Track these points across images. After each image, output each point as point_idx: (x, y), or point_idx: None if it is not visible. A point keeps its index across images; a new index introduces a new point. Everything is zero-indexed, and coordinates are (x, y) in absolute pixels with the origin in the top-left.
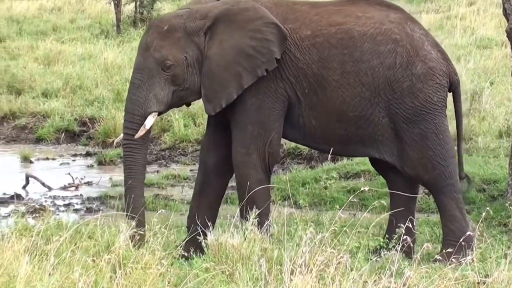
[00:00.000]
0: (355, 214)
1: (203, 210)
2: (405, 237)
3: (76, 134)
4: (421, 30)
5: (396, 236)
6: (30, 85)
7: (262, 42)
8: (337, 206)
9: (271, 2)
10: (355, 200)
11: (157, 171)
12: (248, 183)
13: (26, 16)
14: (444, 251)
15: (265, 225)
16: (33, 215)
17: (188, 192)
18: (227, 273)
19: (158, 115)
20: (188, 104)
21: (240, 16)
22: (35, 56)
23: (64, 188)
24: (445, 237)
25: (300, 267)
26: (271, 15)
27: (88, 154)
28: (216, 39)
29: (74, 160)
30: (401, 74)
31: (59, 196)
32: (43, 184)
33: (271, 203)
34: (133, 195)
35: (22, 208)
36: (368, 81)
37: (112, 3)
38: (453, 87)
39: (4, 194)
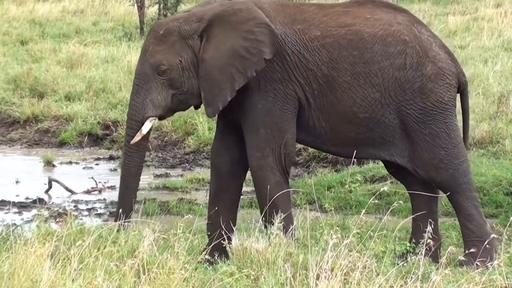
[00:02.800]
0: (381, 218)
1: (222, 214)
2: (428, 241)
3: (99, 137)
4: (428, 32)
5: (422, 240)
6: (53, 88)
7: (253, 43)
8: (363, 210)
9: (278, 4)
10: (380, 203)
11: (181, 175)
12: (267, 186)
13: (48, 18)
14: (467, 251)
15: (289, 228)
16: (56, 220)
17: None
18: (252, 277)
19: (160, 119)
20: (197, 107)
21: (234, 17)
22: (58, 59)
23: (87, 192)
24: (466, 238)
25: (325, 271)
26: (263, 15)
27: (111, 158)
28: (212, 42)
29: (97, 164)
30: (412, 75)
31: (82, 200)
32: (66, 188)
33: (292, 206)
34: (121, 202)
35: (45, 213)
36: (378, 82)
37: (136, 5)
38: (461, 88)
39: (27, 198)
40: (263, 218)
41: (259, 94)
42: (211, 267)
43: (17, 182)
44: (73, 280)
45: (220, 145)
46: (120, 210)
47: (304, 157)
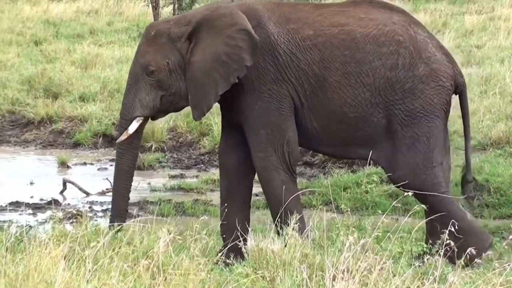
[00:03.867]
0: (397, 219)
1: (235, 214)
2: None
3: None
4: (425, 32)
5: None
6: (67, 89)
7: (234, 49)
8: (379, 211)
9: (274, 3)
10: (397, 204)
11: (197, 176)
12: (273, 186)
13: (63, 18)
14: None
15: (302, 227)
16: (71, 221)
17: None
18: (268, 279)
19: (153, 119)
20: (180, 109)
21: (218, 22)
22: (72, 60)
23: (102, 193)
24: (435, 232)
25: (342, 273)
26: (246, 21)
27: None
28: (200, 45)
29: (112, 165)
30: (403, 76)
31: (97, 201)
32: (80, 189)
33: (306, 205)
34: (114, 200)
35: (60, 214)
36: (369, 82)
37: (150, 5)
38: (459, 89)
39: (41, 199)
40: (273, 218)
41: (254, 95)
42: (227, 268)
43: (31, 183)
44: (87, 281)
45: (226, 144)
46: (113, 209)
47: (320, 158)
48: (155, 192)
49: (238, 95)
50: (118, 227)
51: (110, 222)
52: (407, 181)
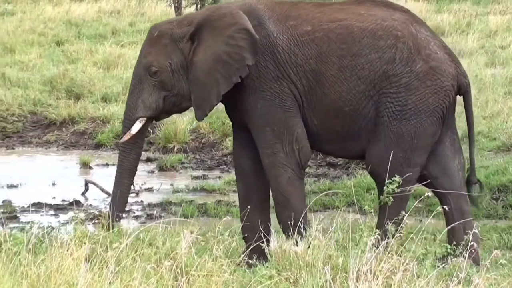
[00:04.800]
0: (421, 220)
1: (255, 215)
2: (472, 243)
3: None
4: (427, 32)
5: (462, 242)
6: (89, 90)
7: (235, 49)
8: (403, 212)
9: (275, 2)
10: (420, 205)
11: (219, 177)
12: (279, 183)
13: (85, 19)
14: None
15: (299, 224)
16: (93, 222)
17: None
18: (291, 280)
19: (156, 119)
20: (184, 110)
21: (219, 23)
22: (94, 60)
23: None
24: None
25: (365, 274)
26: (246, 21)
27: (148, 160)
28: (202, 46)
29: None
30: (400, 70)
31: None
32: (102, 190)
33: (306, 199)
34: (114, 199)
35: (82, 215)
36: (364, 75)
37: (172, 5)
38: (463, 90)
39: (63, 200)
40: (278, 216)
41: (256, 94)
42: (250, 270)
43: (53, 184)
44: (110, 282)
45: (238, 145)
46: (112, 206)
47: (343, 159)
48: (178, 193)
49: (240, 95)
50: (113, 224)
51: (108, 219)
52: (381, 174)
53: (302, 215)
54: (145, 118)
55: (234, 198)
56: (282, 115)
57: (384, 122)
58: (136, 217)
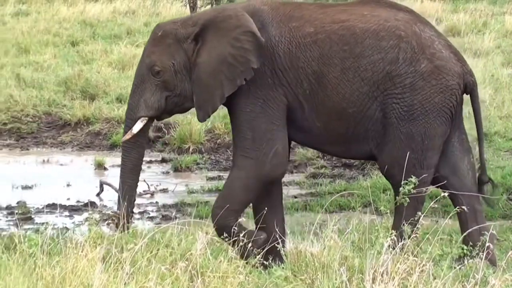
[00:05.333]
0: (437, 221)
1: (269, 216)
2: (488, 244)
3: (151, 140)
4: (432, 31)
5: (478, 242)
6: (104, 90)
7: (240, 51)
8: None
9: (279, 3)
10: (437, 206)
11: None
12: (235, 185)
13: (99, 19)
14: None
15: (228, 229)
16: (107, 223)
17: None
18: (307, 282)
19: (158, 119)
20: (186, 110)
21: (224, 24)
22: (109, 61)
23: (139, 195)
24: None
25: (381, 275)
26: (251, 23)
27: (163, 161)
28: (206, 47)
29: (149, 167)
30: (404, 70)
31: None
32: (117, 191)
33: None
34: (120, 199)
35: (96, 216)
36: (367, 76)
37: (188, 5)
38: (469, 88)
39: (78, 201)
40: (214, 211)
41: (248, 99)
42: (265, 271)
43: (68, 185)
44: (125, 284)
45: None
46: (119, 207)
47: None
48: (193, 194)
49: (233, 97)
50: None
51: (113, 219)
52: (394, 176)
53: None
54: (146, 118)
55: None
56: (268, 126)
57: (393, 123)
58: (151, 218)
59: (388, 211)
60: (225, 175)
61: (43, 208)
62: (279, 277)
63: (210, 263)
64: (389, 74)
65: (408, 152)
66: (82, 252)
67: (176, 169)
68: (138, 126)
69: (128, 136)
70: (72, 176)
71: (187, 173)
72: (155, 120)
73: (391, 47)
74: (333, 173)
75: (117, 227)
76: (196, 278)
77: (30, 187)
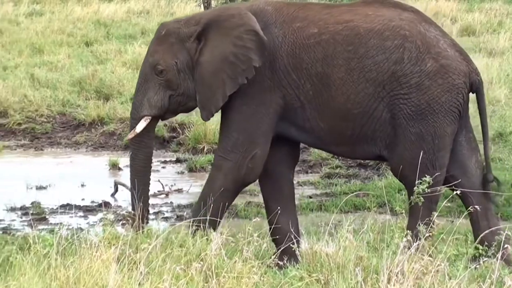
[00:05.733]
0: (452, 221)
1: (283, 217)
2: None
3: (166, 140)
4: (437, 30)
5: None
6: (118, 90)
7: (242, 50)
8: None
9: (283, 3)
10: (452, 205)
11: None
12: (213, 186)
13: (114, 19)
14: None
15: (204, 228)
16: (122, 223)
17: None
18: (322, 282)
19: (162, 119)
20: (191, 109)
21: (227, 23)
22: (123, 61)
23: (154, 195)
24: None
25: (397, 275)
26: (254, 22)
27: (178, 161)
28: (208, 46)
29: (164, 167)
30: (410, 70)
31: (149, 203)
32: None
33: (223, 214)
34: (132, 199)
35: (111, 216)
36: (372, 76)
37: (202, 5)
38: (475, 87)
39: (92, 202)
40: (193, 212)
41: (243, 99)
42: (280, 271)
43: (82, 185)
44: (139, 284)
45: None
46: (133, 208)
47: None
48: None
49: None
50: (139, 227)
51: (128, 220)
52: (406, 176)
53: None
54: (150, 117)
55: None
56: (253, 129)
57: (402, 124)
58: (166, 218)
59: (403, 211)
60: None
61: (57, 208)
62: (294, 277)
63: (225, 263)
64: (394, 74)
65: (419, 152)
66: (96, 252)
67: (190, 169)
68: (141, 125)
69: (131, 135)
70: (87, 176)
71: (202, 173)
72: (160, 120)
73: (396, 47)
74: (348, 173)
75: (132, 227)
76: (211, 279)
77: (44, 188)
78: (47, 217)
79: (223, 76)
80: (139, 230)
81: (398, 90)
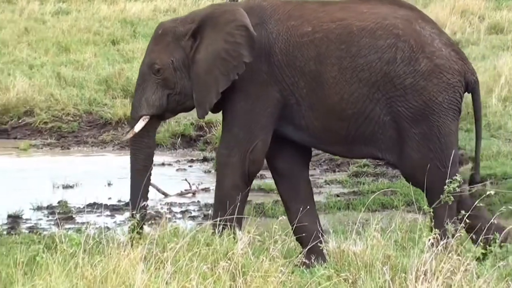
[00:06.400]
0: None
1: (305, 216)
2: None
3: (193, 139)
4: (433, 29)
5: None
6: None
7: (233, 46)
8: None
9: (280, 1)
10: (481, 204)
11: None
12: (223, 185)
13: (140, 18)
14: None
15: (228, 228)
16: (149, 223)
17: None
18: (350, 281)
19: (162, 119)
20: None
21: (220, 19)
22: None
23: (181, 194)
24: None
25: (425, 274)
26: (245, 17)
27: (205, 159)
28: (204, 43)
29: (190, 166)
30: (403, 70)
31: (176, 202)
32: (159, 190)
33: (242, 209)
34: (132, 199)
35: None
36: (365, 76)
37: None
38: (470, 87)
39: (119, 201)
40: (213, 215)
41: (241, 95)
42: (308, 270)
43: (109, 184)
44: (166, 283)
45: (270, 149)
46: (132, 208)
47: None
48: None
49: (227, 92)
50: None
51: (129, 220)
52: (417, 178)
53: (234, 220)
54: (148, 116)
55: None
56: (253, 123)
57: (405, 127)
58: (193, 217)
59: (431, 210)
60: (267, 173)
61: (84, 207)
62: (322, 276)
63: (252, 262)
64: (387, 75)
65: (427, 153)
66: (124, 251)
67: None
68: (140, 125)
69: (130, 135)
70: (113, 175)
71: None
72: (160, 120)
73: (389, 46)
74: (375, 172)
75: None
76: (238, 278)
77: (71, 187)
78: (73, 216)
79: (216, 72)
80: (137, 232)
81: (393, 92)
